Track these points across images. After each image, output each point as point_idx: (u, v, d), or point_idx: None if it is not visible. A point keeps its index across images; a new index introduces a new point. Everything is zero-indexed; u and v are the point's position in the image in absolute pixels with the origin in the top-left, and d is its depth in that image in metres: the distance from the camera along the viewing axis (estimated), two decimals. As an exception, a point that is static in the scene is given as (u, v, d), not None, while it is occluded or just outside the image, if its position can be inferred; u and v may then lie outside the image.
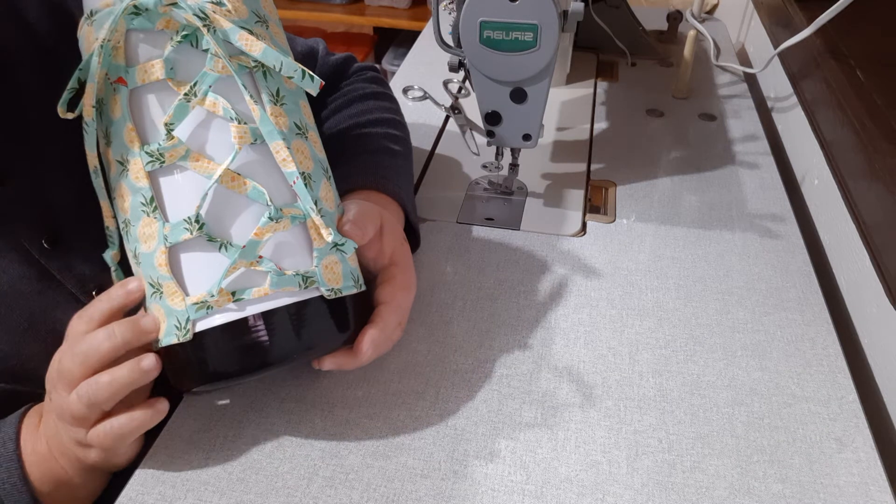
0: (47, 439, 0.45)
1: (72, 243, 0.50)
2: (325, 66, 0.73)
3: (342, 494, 0.45)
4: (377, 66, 0.91)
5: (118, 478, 0.47)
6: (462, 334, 0.57)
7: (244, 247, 0.41)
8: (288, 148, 0.42)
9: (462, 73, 0.67)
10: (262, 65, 0.43)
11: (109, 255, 0.46)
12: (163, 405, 0.43)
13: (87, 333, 0.42)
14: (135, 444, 0.46)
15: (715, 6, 1.24)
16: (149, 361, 0.41)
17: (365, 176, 0.58)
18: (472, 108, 0.66)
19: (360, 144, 0.63)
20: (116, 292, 0.43)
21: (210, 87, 0.41)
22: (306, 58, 0.72)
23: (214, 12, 0.40)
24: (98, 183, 0.44)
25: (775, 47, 0.89)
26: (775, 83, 0.95)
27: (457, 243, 0.67)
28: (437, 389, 0.52)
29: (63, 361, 0.42)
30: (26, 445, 0.45)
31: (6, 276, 0.47)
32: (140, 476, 0.46)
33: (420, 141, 0.83)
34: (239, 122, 0.41)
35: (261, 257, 0.42)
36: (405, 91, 0.72)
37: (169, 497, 0.45)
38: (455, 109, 0.70)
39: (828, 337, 0.57)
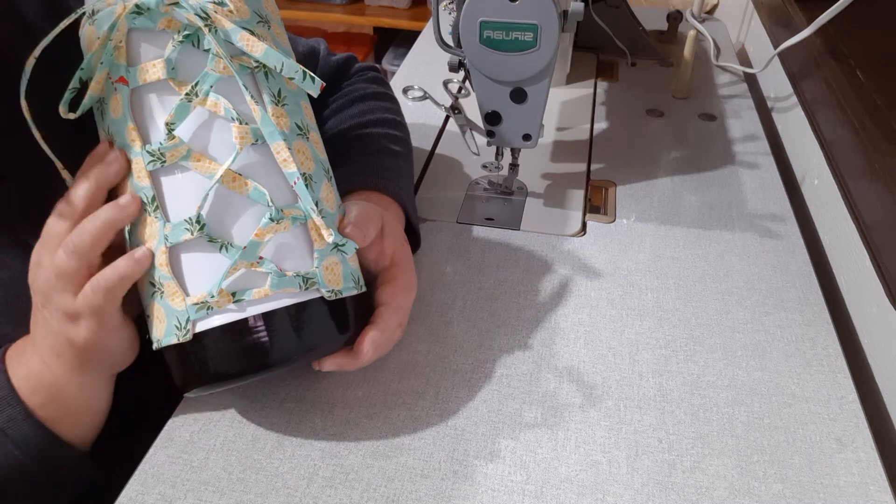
0: (37, 347, 0.45)
1: None
2: (327, 66, 0.73)
3: (342, 494, 0.45)
4: (377, 66, 0.91)
5: (118, 477, 0.47)
6: (462, 334, 0.57)
7: (245, 248, 0.41)
8: (289, 149, 0.42)
9: (462, 73, 0.67)
10: (264, 65, 0.43)
11: None
12: (140, 252, 0.42)
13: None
14: (127, 331, 0.45)
15: (715, 6, 1.24)
16: (126, 198, 0.41)
17: (366, 177, 0.58)
18: (472, 108, 0.66)
19: (360, 145, 0.63)
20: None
21: (211, 87, 0.41)
22: (308, 58, 0.72)
23: (216, 12, 0.40)
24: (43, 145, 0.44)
25: (775, 47, 0.89)
26: (775, 83, 0.95)
27: (457, 243, 0.67)
28: (437, 389, 0.52)
29: (46, 228, 0.42)
30: (12, 363, 0.45)
31: (9, 269, 0.47)
32: (140, 476, 0.46)
33: (420, 141, 0.83)
34: (240, 123, 0.41)
35: (261, 258, 0.42)
36: (405, 91, 0.72)
37: (169, 497, 0.45)
38: (455, 109, 0.70)
39: (828, 337, 0.57)
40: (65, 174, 0.45)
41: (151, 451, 0.48)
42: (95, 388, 0.47)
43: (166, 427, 0.49)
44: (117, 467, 0.48)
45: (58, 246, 0.41)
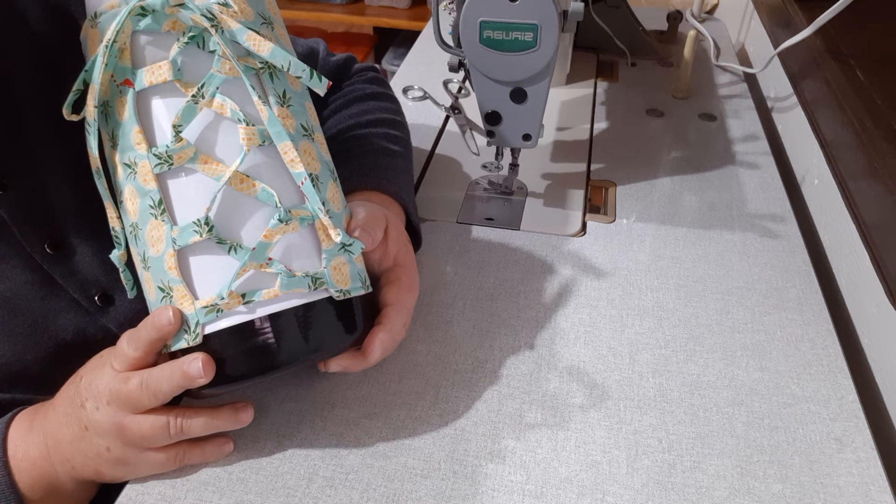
0: (50, 443, 0.44)
1: (74, 248, 0.49)
2: (326, 67, 0.73)
3: (342, 494, 0.45)
4: (377, 66, 0.91)
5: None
6: (462, 334, 0.57)
7: (254, 249, 0.41)
8: (296, 149, 0.42)
9: (462, 73, 0.67)
10: (269, 66, 0.43)
11: (116, 256, 0.46)
12: (229, 446, 0.48)
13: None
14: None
15: (715, 6, 1.24)
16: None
17: (366, 177, 0.58)
18: (472, 108, 0.66)
19: (360, 145, 0.63)
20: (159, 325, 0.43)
21: (217, 88, 0.41)
22: (307, 59, 0.72)
23: (221, 13, 0.40)
24: (101, 184, 0.44)
25: (775, 47, 0.89)
26: (775, 83, 0.95)
27: (457, 243, 0.67)
28: (437, 389, 0.52)
29: (128, 385, 0.42)
30: (17, 451, 0.44)
31: (9, 281, 0.47)
32: (140, 476, 0.46)
33: (420, 141, 0.83)
34: (247, 124, 0.41)
35: (270, 259, 0.42)
36: (405, 91, 0.72)
37: (169, 497, 0.45)
38: (455, 109, 0.70)
39: (828, 337, 0.57)
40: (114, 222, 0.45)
41: (151, 451, 0.48)
42: (90, 493, 0.48)
43: (166, 427, 0.49)
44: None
45: (135, 407, 0.43)
